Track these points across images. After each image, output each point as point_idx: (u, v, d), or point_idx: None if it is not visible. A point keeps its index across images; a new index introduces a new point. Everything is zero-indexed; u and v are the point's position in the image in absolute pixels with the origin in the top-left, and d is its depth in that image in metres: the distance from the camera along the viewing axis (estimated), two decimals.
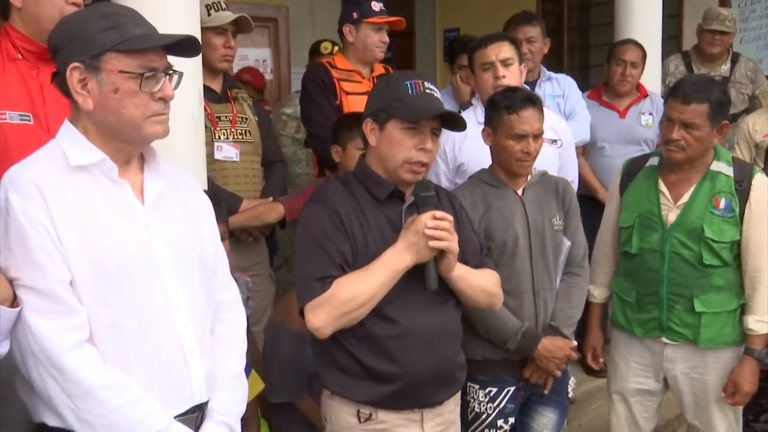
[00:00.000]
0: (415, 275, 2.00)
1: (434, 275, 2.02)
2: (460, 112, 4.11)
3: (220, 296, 1.86)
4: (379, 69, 3.69)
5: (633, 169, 2.83)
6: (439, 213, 2.00)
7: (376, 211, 2.05)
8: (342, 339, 2.01)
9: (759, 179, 2.66)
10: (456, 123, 2.14)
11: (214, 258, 1.84)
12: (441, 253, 2.01)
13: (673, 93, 2.62)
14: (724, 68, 4.76)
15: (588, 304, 2.84)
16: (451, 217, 2.03)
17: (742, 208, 2.61)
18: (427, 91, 2.05)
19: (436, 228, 1.97)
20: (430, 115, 2.04)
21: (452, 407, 2.20)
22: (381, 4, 3.54)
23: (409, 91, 2.03)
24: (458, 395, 2.25)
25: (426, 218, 1.97)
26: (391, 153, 2.03)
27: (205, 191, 2.32)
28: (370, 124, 2.08)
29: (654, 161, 2.79)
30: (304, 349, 2.77)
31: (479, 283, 2.16)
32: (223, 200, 2.60)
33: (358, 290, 1.94)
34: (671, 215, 2.67)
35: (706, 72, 4.72)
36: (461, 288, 2.12)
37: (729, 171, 2.65)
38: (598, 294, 2.90)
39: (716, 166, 2.66)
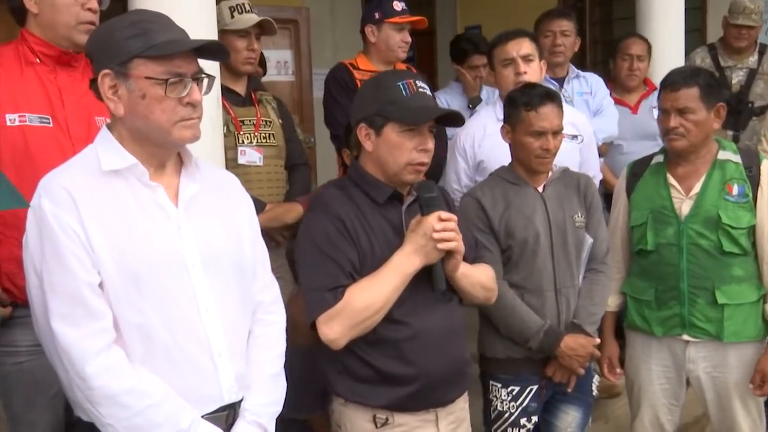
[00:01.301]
0: (420, 276, 1.99)
1: (442, 276, 2.02)
2: (469, 106, 4.13)
3: (259, 297, 1.88)
4: (401, 67, 3.69)
5: (639, 169, 2.82)
6: (444, 214, 1.99)
7: (376, 214, 2.03)
8: (353, 346, 1.98)
9: (767, 165, 2.67)
10: (453, 119, 2.14)
11: (252, 260, 1.85)
12: (448, 254, 2.00)
13: (663, 85, 2.67)
14: (752, 60, 4.69)
15: None
16: (455, 217, 2.03)
17: (755, 194, 2.61)
18: (420, 89, 2.02)
19: (443, 230, 1.96)
20: (433, 117, 2.02)
21: (462, 404, 2.20)
22: (403, 4, 3.53)
23: (403, 92, 1.99)
24: (467, 392, 2.25)
25: (433, 220, 1.95)
26: (392, 157, 2.00)
27: None
28: (364, 129, 2.03)
29: (659, 158, 2.78)
30: (315, 364, 2.71)
31: (479, 279, 2.16)
32: None
33: (371, 298, 1.92)
34: (685, 207, 2.65)
35: (733, 64, 4.67)
36: (463, 285, 2.11)
37: (737, 158, 2.66)
38: (611, 302, 2.83)
39: (723, 155, 2.67)
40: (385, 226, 2.03)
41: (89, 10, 2.26)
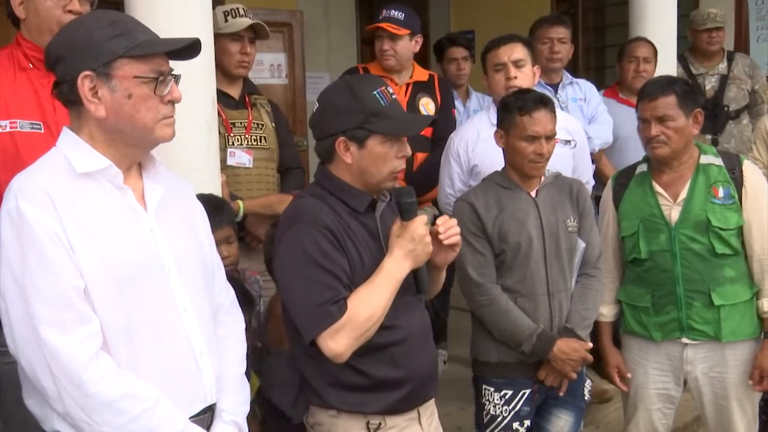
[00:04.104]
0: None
1: (427, 278, 2.05)
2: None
3: (219, 299, 1.88)
4: (421, 75, 3.71)
5: (623, 179, 2.85)
6: (441, 219, 2.05)
7: (355, 222, 2.01)
8: None
9: (748, 165, 2.73)
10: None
11: (212, 262, 1.86)
12: (451, 249, 2.07)
13: (640, 96, 2.72)
14: (722, 66, 4.85)
15: (597, 325, 2.79)
16: (454, 220, 2.08)
17: (740, 194, 2.66)
18: (393, 96, 2.01)
19: (450, 228, 2.03)
20: (421, 129, 2.06)
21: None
22: (390, 12, 3.59)
23: (381, 102, 1.97)
24: None
25: (419, 224, 1.96)
26: (375, 168, 1.98)
27: (207, 195, 2.35)
28: (344, 143, 1.97)
29: (643, 167, 2.81)
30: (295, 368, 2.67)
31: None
32: (226, 205, 2.63)
33: (373, 307, 1.91)
34: (674, 213, 2.68)
35: (704, 72, 4.82)
36: (440, 279, 2.20)
37: (719, 161, 2.71)
38: (607, 312, 2.85)
39: (705, 159, 2.72)
40: (364, 233, 2.02)
41: (70, 12, 2.24)
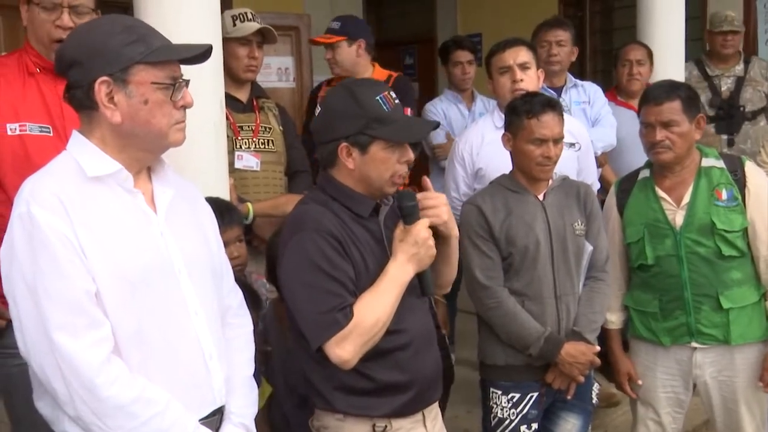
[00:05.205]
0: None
1: (432, 280, 2.03)
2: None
3: (227, 301, 1.89)
4: (378, 77, 3.64)
5: (626, 185, 2.84)
6: (421, 194, 2.01)
7: (359, 227, 2.00)
8: None
9: (750, 166, 2.73)
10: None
11: (220, 264, 1.87)
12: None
13: (644, 100, 2.71)
14: (738, 68, 4.85)
15: (605, 332, 2.78)
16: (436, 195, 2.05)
17: (743, 196, 2.65)
18: (396, 101, 2.00)
19: (433, 206, 1.99)
20: (425, 135, 2.03)
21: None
22: (331, 23, 3.66)
23: (384, 108, 1.95)
24: None
25: (421, 228, 1.95)
26: (377, 172, 1.97)
27: (215, 198, 2.35)
28: (346, 149, 1.95)
29: (645, 173, 2.81)
30: None
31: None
32: (234, 206, 2.63)
33: (379, 312, 1.90)
34: (678, 217, 2.67)
35: (720, 73, 4.82)
36: (452, 253, 2.12)
37: (720, 164, 2.70)
38: (616, 319, 2.84)
39: (706, 162, 2.71)
40: (368, 238, 2.01)
41: (59, 27, 2.26)
